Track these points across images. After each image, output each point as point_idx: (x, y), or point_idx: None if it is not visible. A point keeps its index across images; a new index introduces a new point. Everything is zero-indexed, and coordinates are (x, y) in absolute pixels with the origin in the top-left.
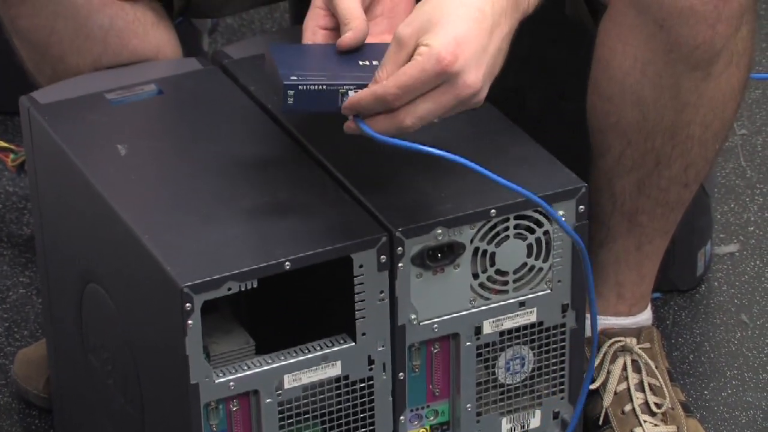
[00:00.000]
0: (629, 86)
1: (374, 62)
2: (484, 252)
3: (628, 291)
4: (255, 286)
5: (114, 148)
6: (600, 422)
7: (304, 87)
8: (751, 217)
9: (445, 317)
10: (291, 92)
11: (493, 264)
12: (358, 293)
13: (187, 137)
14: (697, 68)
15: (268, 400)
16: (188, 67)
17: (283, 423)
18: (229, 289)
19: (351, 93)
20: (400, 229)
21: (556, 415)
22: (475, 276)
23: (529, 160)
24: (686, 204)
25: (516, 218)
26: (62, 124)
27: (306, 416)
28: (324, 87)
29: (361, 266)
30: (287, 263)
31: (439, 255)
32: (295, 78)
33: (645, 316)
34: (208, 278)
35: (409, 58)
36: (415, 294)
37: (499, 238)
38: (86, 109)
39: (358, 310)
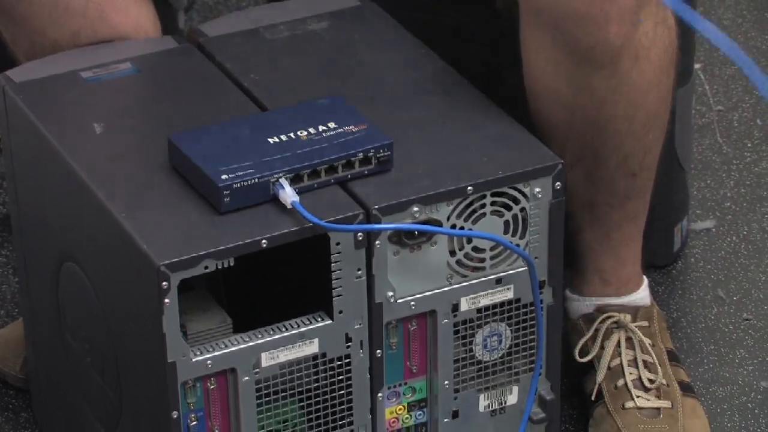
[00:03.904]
0: (549, 86)
1: (282, 137)
2: (461, 229)
3: (611, 275)
4: (232, 264)
5: (90, 127)
6: (593, 397)
7: (239, 184)
8: (728, 192)
9: (423, 294)
10: (227, 192)
11: (469, 241)
12: (335, 271)
13: (163, 115)
14: (602, 67)
15: (245, 378)
16: (164, 45)
17: (260, 401)
18: (206, 268)
19: (282, 180)
20: (376, 207)
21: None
22: (452, 253)
23: (505, 137)
24: (645, 190)
25: (493, 195)
26: (38, 102)
27: (284, 394)
28: (256, 180)
29: (338, 244)
30: (264, 241)
31: (416, 232)
32: (226, 177)
33: (640, 295)
34: (185, 257)
35: None
36: (392, 271)
37: (475, 215)
38: (62, 88)
39: (335, 288)
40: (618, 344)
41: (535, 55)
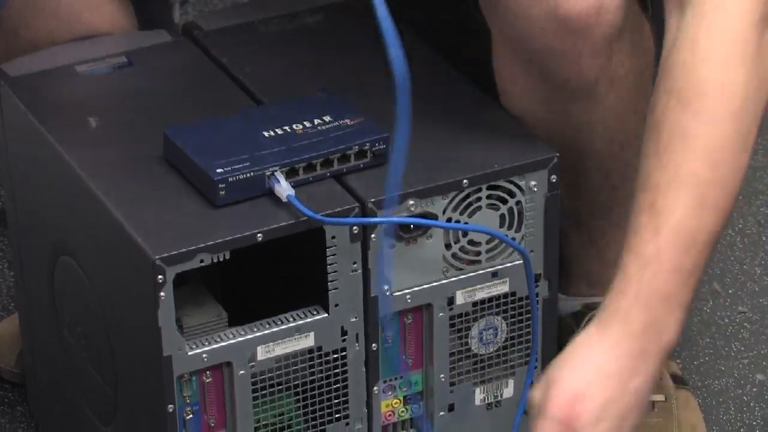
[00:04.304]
0: (525, 109)
1: (278, 130)
2: (457, 222)
3: (597, 278)
4: (227, 258)
5: (85, 121)
6: None
7: (234, 178)
8: None
9: (418, 288)
10: (222, 185)
11: (465, 234)
12: (330, 264)
13: (158, 109)
14: (578, 97)
15: (241, 372)
16: (159, 39)
17: (256, 394)
18: (202, 261)
19: (277, 174)
20: (372, 200)
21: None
22: (448, 246)
23: (501, 131)
24: (629, 198)
25: (488, 188)
26: (33, 96)
27: (279, 387)
28: (252, 174)
29: (333, 237)
30: (259, 235)
31: (412, 226)
32: (222, 170)
33: None
34: (180, 250)
35: None
36: (388, 265)
37: (471, 208)
38: (56, 82)
39: (330, 282)
40: None
41: (510, 80)
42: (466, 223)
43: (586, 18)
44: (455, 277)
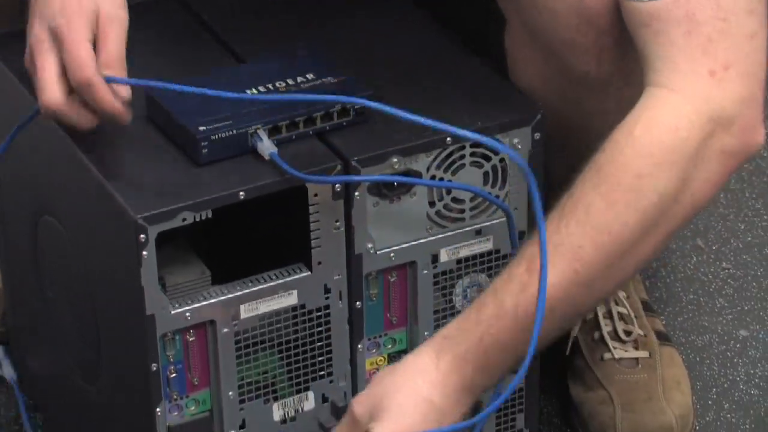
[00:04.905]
0: (536, 91)
1: (261, 88)
2: (441, 180)
3: None
4: (210, 216)
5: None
6: (568, 351)
7: (217, 136)
8: None
9: (402, 246)
10: (205, 144)
11: (449, 192)
12: (313, 222)
13: (141, 68)
14: (594, 89)
15: (224, 330)
16: None
17: (240, 353)
18: (184, 220)
19: (260, 132)
20: (355, 158)
21: None
22: (432, 204)
23: (485, 88)
24: None
25: (472, 146)
26: (15, 55)
27: (263, 346)
28: (234, 132)
29: (316, 195)
30: (242, 193)
31: (395, 183)
32: (204, 128)
33: None
34: (162, 209)
35: None
36: (371, 223)
37: (455, 166)
38: None
39: (313, 239)
40: None
41: (524, 66)
42: (449, 181)
43: (610, 14)
44: (439, 234)
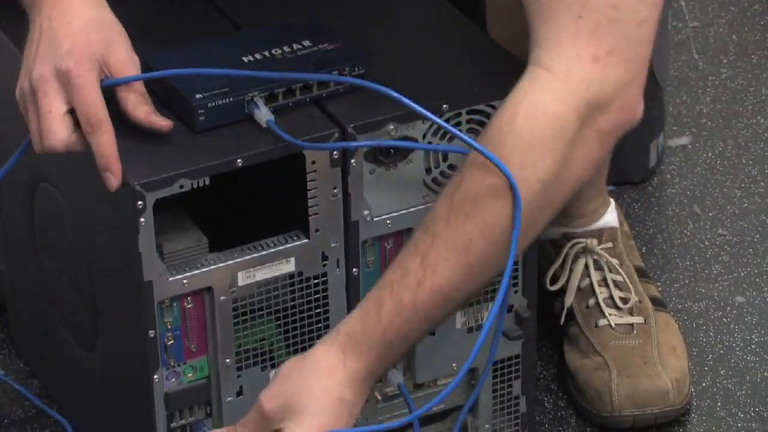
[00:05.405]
0: (509, 47)
1: (257, 55)
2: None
3: (575, 212)
4: (207, 183)
5: None
6: (562, 320)
7: (214, 103)
8: (704, 109)
9: (399, 213)
10: (201, 111)
11: (445, 159)
12: (310, 189)
13: (137, 34)
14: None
15: (222, 298)
16: None
17: (237, 320)
18: (182, 187)
19: (257, 99)
20: (352, 125)
21: (510, 309)
22: (428, 171)
23: (481, 54)
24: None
25: (468, 113)
26: (8, 19)
27: (260, 313)
28: (231, 99)
29: (313, 162)
30: (239, 160)
31: (392, 150)
32: (201, 95)
33: (605, 219)
34: (160, 176)
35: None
36: (368, 190)
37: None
38: None
39: (311, 207)
40: (586, 266)
41: (493, 20)
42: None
43: None
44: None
